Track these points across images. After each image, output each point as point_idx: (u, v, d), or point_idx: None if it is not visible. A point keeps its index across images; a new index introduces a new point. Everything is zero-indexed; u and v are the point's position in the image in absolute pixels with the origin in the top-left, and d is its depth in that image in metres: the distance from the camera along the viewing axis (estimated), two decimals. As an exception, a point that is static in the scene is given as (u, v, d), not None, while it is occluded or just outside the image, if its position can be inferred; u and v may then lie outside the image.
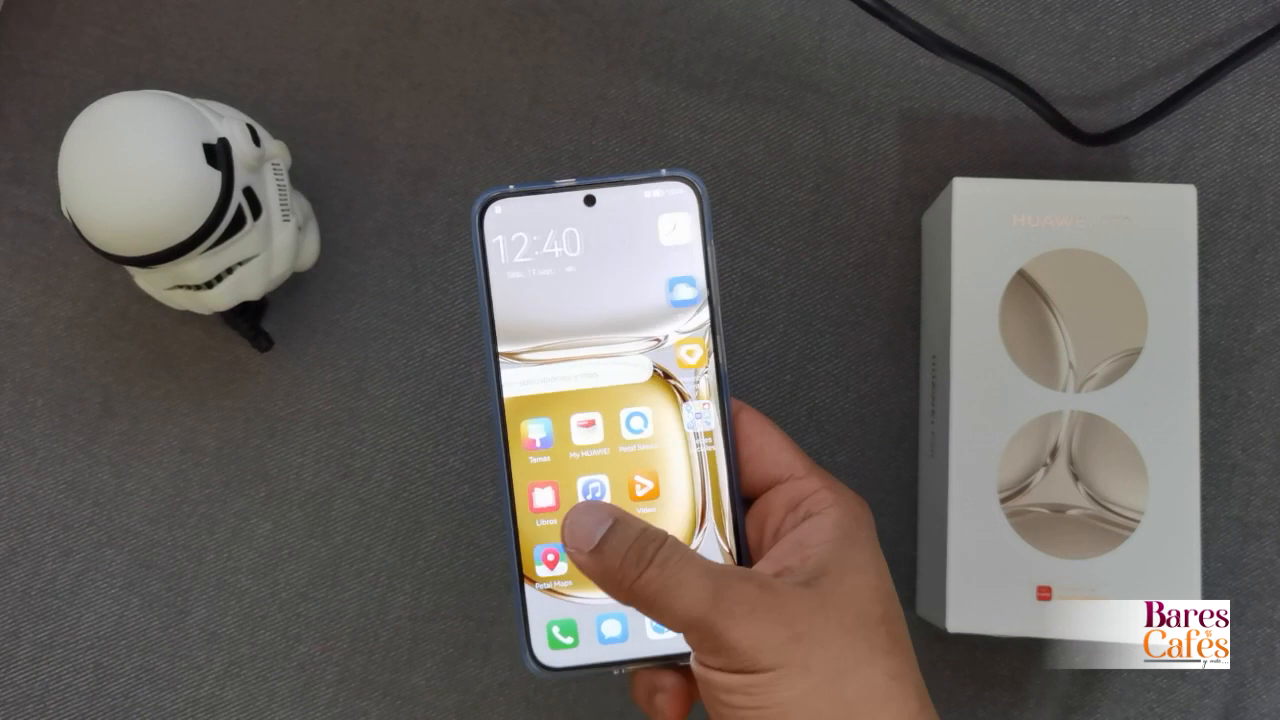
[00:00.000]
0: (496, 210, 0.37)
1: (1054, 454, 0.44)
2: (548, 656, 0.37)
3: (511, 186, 0.37)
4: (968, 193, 0.45)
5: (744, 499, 0.38)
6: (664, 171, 0.37)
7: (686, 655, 0.36)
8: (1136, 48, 0.51)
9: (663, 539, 0.33)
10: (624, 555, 0.33)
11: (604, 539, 0.33)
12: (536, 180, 0.39)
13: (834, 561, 0.34)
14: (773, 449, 0.37)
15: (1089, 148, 0.50)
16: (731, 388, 0.50)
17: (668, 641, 0.37)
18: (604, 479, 0.37)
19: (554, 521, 0.37)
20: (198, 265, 0.44)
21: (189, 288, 0.46)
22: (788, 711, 0.32)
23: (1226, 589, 0.48)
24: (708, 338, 0.37)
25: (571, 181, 0.37)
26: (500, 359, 0.37)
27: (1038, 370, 0.44)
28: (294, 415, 0.51)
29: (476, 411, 0.51)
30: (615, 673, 0.37)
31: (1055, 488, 0.43)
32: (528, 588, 0.37)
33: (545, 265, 0.37)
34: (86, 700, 0.50)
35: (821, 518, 0.35)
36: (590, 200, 0.37)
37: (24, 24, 0.53)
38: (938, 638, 0.48)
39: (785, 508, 0.36)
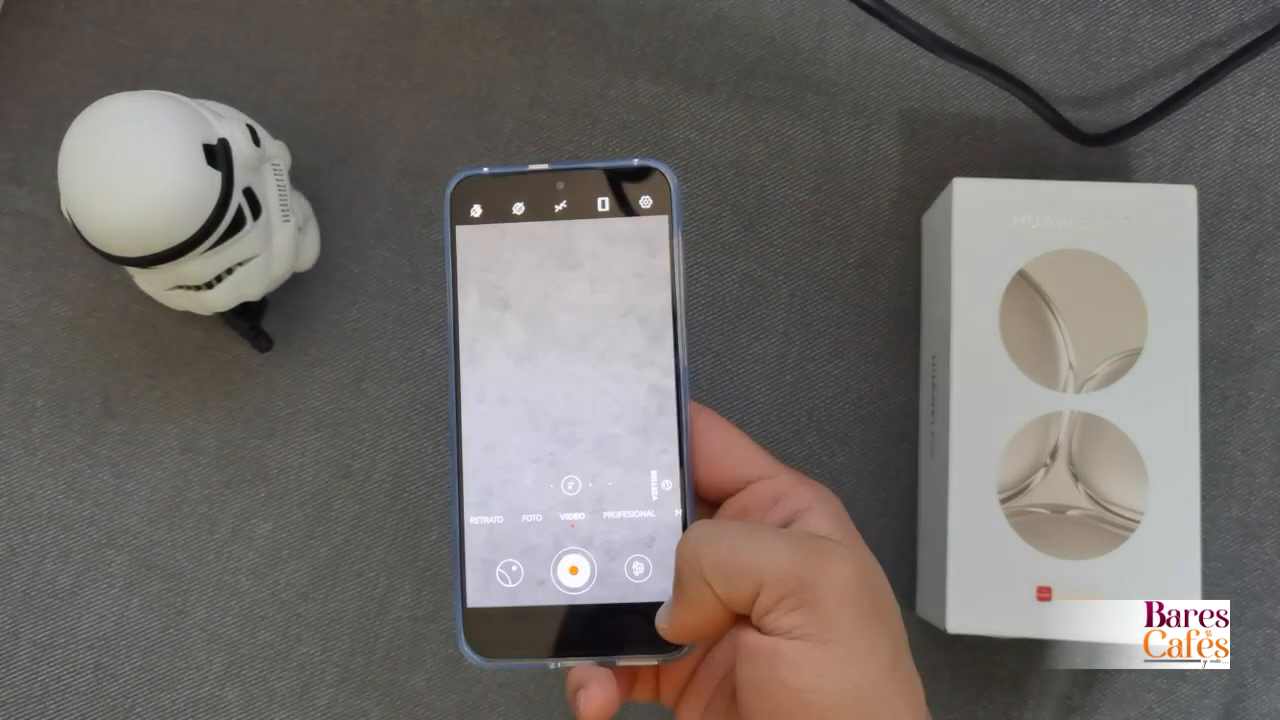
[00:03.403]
0: (469, 190, 0.38)
1: (1054, 454, 0.44)
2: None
3: (485, 169, 0.38)
4: (968, 193, 0.45)
5: (712, 500, 0.38)
6: (636, 161, 0.37)
7: (623, 654, 0.36)
8: (1136, 48, 0.51)
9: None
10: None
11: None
12: (511, 164, 0.39)
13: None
14: (739, 449, 0.37)
15: (1089, 148, 0.50)
16: (731, 388, 0.51)
17: None
18: None
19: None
20: (198, 265, 0.44)
21: (189, 288, 0.46)
22: (861, 692, 0.31)
23: (1226, 589, 0.48)
24: (668, 328, 0.37)
25: (545, 166, 0.38)
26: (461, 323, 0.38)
27: (1038, 370, 0.44)
28: (294, 415, 0.51)
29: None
30: (552, 667, 0.36)
31: (1055, 488, 0.43)
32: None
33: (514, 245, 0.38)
34: (86, 700, 0.50)
35: (812, 514, 0.35)
36: (562, 185, 0.38)
37: (24, 24, 0.53)
38: (938, 638, 0.48)
39: (764, 506, 0.36)
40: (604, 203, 0.37)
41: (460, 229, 0.38)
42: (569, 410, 0.37)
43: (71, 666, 0.50)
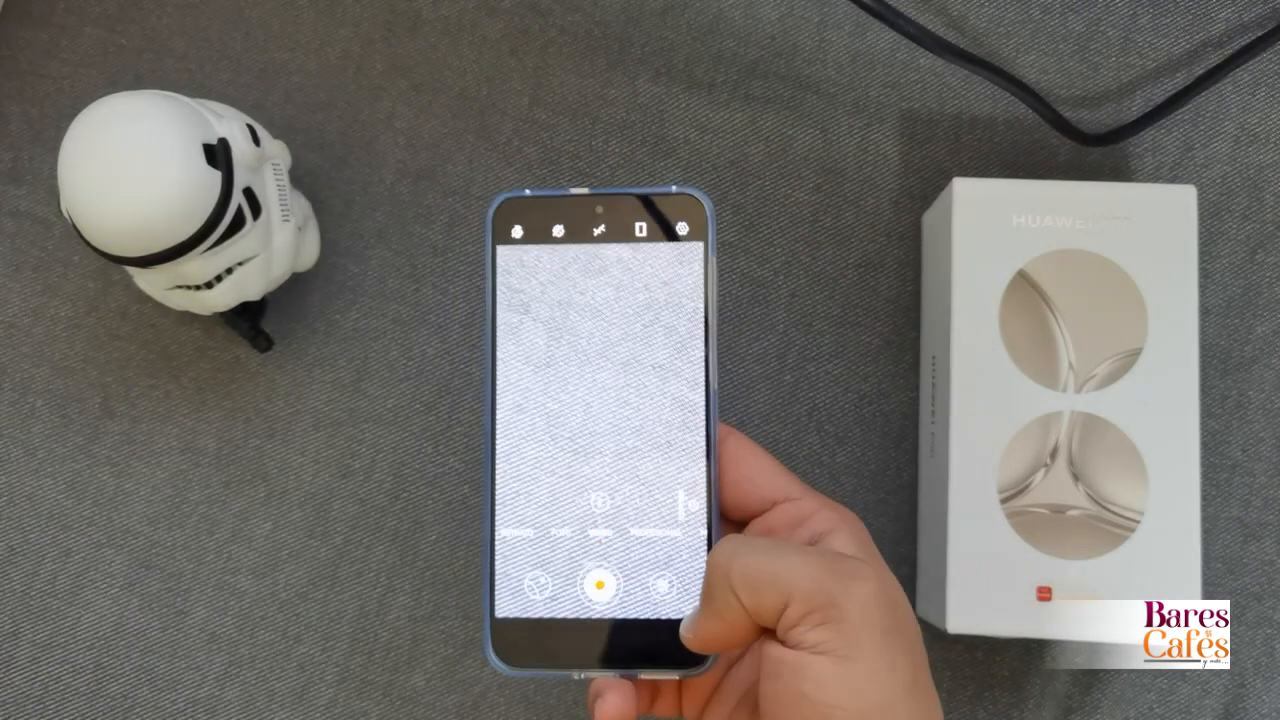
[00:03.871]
0: (511, 211, 0.39)
1: (1054, 454, 0.44)
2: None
3: (528, 191, 0.39)
4: (968, 193, 0.45)
5: (737, 520, 0.38)
6: (674, 188, 0.38)
7: (645, 668, 0.36)
8: (1136, 48, 0.51)
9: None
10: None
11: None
12: (551, 187, 0.40)
13: None
14: (765, 471, 0.37)
15: (1089, 148, 0.50)
16: (731, 388, 0.51)
17: None
18: None
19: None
20: (198, 265, 0.44)
21: (189, 288, 0.46)
22: (882, 709, 0.31)
23: (1226, 589, 0.48)
24: (700, 349, 0.38)
25: (585, 191, 0.39)
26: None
27: (1038, 370, 0.44)
28: (294, 415, 0.51)
29: (476, 412, 0.51)
30: (576, 677, 0.37)
31: (1055, 488, 0.43)
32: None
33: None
34: (86, 700, 0.50)
35: (837, 536, 0.35)
36: (601, 209, 0.39)
37: (24, 24, 0.53)
38: (938, 638, 0.48)
39: (789, 527, 0.37)
40: (641, 227, 0.38)
41: (501, 249, 0.39)
42: (602, 427, 0.38)
43: (71, 666, 0.50)
